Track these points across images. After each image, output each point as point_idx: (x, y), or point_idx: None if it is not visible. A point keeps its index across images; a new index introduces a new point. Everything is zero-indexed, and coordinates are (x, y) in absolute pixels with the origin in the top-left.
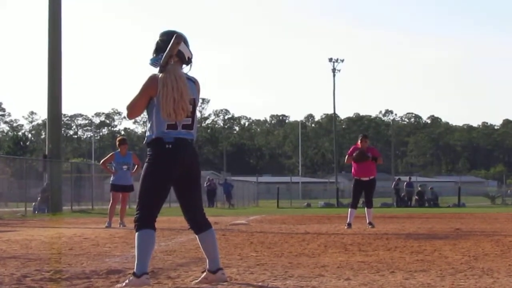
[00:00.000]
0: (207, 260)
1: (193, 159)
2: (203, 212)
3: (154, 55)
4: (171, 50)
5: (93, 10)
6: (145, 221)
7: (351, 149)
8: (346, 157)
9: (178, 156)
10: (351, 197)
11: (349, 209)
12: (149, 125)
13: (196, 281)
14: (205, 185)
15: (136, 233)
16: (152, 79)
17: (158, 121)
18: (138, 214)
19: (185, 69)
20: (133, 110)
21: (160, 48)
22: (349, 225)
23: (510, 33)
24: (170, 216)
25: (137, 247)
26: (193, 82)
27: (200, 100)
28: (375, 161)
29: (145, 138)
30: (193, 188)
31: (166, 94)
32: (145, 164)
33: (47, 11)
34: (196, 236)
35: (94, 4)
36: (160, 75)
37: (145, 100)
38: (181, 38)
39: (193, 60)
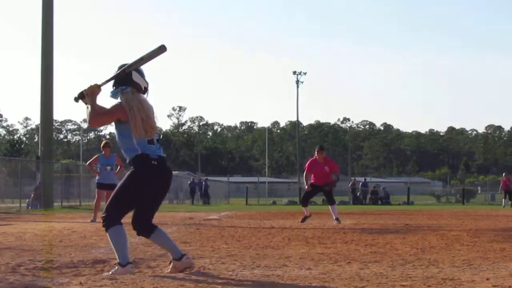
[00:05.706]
0: (169, 252)
1: (169, 175)
2: (152, 217)
3: (114, 87)
4: (151, 56)
5: (84, 18)
6: (113, 220)
7: (308, 163)
8: (305, 174)
9: (160, 173)
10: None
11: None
12: (128, 145)
13: (168, 271)
14: (188, 184)
15: (108, 232)
16: (119, 106)
17: (139, 139)
18: (106, 214)
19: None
20: (99, 122)
21: (122, 80)
22: (304, 219)
23: (456, 44)
24: None
25: (114, 243)
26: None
27: (177, 108)
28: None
29: (128, 157)
30: (160, 200)
31: (134, 116)
32: (130, 173)
33: (40, 19)
34: (149, 239)
35: (84, 12)
36: (123, 101)
37: (111, 121)
38: (165, 50)
39: (149, 88)
